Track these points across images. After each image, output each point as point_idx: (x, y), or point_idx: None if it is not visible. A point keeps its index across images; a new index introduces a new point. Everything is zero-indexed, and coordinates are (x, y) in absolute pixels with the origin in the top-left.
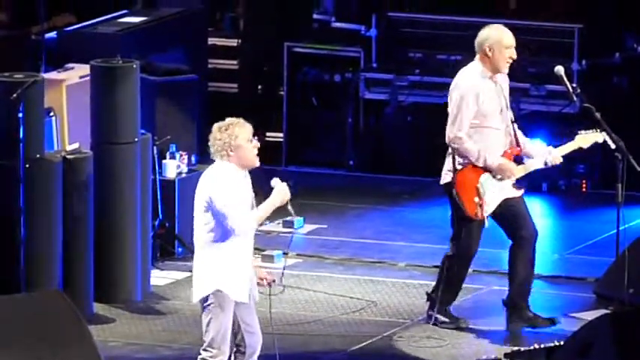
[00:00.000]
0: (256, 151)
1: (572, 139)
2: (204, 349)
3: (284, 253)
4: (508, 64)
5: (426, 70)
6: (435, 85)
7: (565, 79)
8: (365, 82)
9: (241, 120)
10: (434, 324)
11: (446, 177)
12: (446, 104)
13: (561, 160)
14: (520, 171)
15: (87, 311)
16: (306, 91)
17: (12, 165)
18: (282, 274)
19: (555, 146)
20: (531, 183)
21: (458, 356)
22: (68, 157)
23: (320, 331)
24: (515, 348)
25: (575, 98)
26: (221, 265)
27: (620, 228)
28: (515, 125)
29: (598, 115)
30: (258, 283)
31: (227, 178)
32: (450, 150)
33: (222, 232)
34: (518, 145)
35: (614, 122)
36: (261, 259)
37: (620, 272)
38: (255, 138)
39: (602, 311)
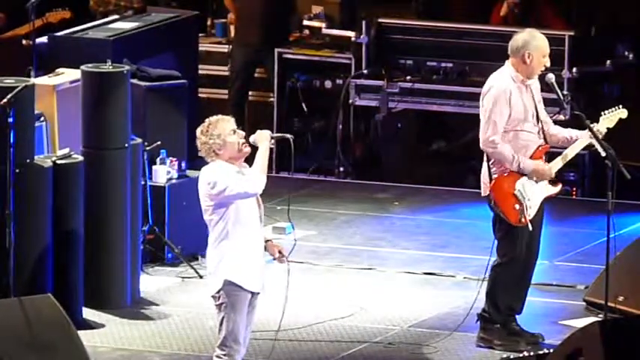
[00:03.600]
0: (243, 140)
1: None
2: (218, 347)
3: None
4: (541, 70)
5: (417, 76)
6: (426, 91)
7: (556, 86)
8: (355, 88)
9: (220, 116)
10: (489, 347)
11: (486, 189)
12: (436, 112)
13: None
14: (555, 167)
15: (76, 316)
16: (296, 97)
17: (2, 170)
18: (294, 246)
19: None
20: None
21: None
22: (58, 162)
23: (309, 338)
24: (506, 355)
25: (566, 106)
26: (231, 256)
27: (610, 236)
28: (550, 123)
29: (588, 122)
30: (276, 258)
31: (222, 170)
32: (485, 159)
33: (230, 225)
34: (546, 141)
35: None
36: (271, 230)
37: (610, 280)
38: (240, 127)
39: (592, 319)
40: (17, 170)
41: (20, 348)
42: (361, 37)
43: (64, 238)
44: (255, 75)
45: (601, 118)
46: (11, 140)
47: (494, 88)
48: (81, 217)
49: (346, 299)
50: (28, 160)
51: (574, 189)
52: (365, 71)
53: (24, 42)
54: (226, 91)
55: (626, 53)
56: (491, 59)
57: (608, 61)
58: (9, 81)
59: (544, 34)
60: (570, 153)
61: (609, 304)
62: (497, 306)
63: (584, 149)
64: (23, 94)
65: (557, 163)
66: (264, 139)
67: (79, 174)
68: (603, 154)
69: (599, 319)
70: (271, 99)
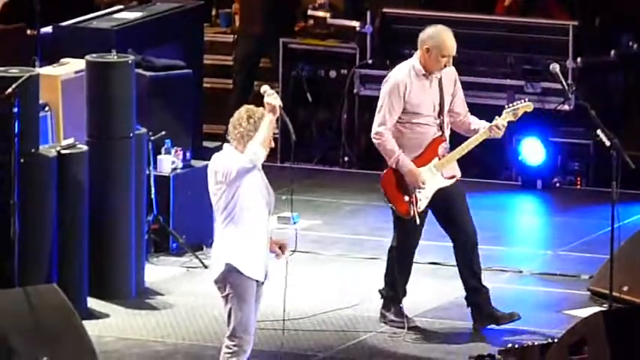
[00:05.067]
0: (269, 150)
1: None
2: (228, 338)
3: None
4: (441, 69)
5: None
6: None
7: (560, 76)
8: (360, 78)
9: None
10: (384, 322)
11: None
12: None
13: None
14: (452, 160)
15: (81, 306)
16: (301, 87)
17: (7, 160)
18: (296, 236)
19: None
20: (526, 180)
21: (452, 353)
22: (63, 152)
23: (313, 327)
24: (510, 345)
25: (570, 95)
26: (235, 242)
27: (615, 225)
28: (464, 114)
29: (592, 112)
30: (276, 255)
31: (232, 159)
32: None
33: (237, 211)
34: (443, 134)
35: (609, 120)
36: (276, 220)
37: (615, 270)
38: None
39: (596, 308)
40: (22, 160)
41: (25, 338)
42: (366, 27)
43: (68, 227)
44: (260, 65)
45: (504, 111)
46: (16, 130)
47: (390, 80)
48: (85, 207)
49: (351, 289)
50: (32, 150)
51: (578, 178)
52: (369, 61)
53: (28, 32)
54: (231, 81)
55: (631, 43)
56: (495, 49)
57: (613, 51)
58: (13, 71)
59: (548, 24)
60: (466, 147)
61: (614, 293)
62: (395, 287)
63: (587, 138)
64: (28, 84)
65: (453, 157)
66: (271, 107)
67: (83, 164)
68: (608, 143)
69: (603, 309)
70: (276, 89)
